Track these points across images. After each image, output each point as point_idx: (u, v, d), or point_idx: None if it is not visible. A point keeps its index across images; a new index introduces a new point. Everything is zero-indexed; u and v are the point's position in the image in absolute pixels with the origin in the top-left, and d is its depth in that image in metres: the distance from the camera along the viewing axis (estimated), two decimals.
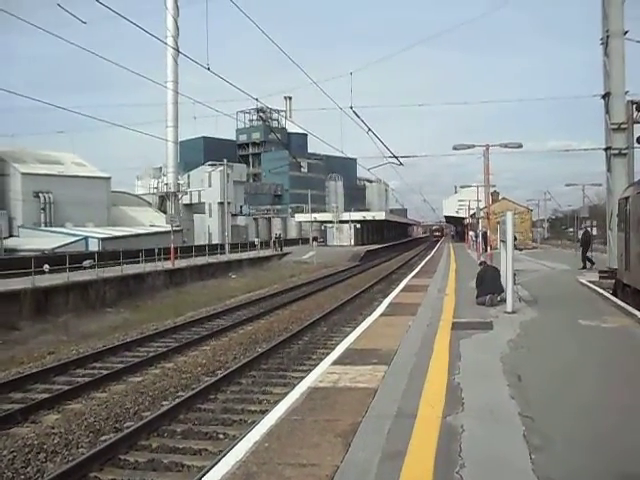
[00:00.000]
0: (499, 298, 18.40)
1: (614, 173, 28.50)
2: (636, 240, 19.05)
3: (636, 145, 28.40)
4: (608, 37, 27.75)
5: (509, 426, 7.55)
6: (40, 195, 74.07)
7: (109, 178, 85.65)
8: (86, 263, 40.54)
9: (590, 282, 25.17)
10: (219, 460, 7.25)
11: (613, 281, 24.32)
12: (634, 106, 28.16)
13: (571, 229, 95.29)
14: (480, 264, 21.16)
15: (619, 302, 19.05)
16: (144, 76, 20.16)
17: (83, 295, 32.49)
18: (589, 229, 43.12)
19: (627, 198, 20.87)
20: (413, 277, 30.93)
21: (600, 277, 26.97)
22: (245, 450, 6.96)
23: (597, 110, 29.77)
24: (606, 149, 29.11)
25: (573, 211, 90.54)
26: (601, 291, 22.16)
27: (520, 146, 30.92)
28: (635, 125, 28.49)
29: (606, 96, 28.43)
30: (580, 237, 38.62)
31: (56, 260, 39.45)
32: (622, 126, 28.05)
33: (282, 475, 6.23)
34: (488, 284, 18.64)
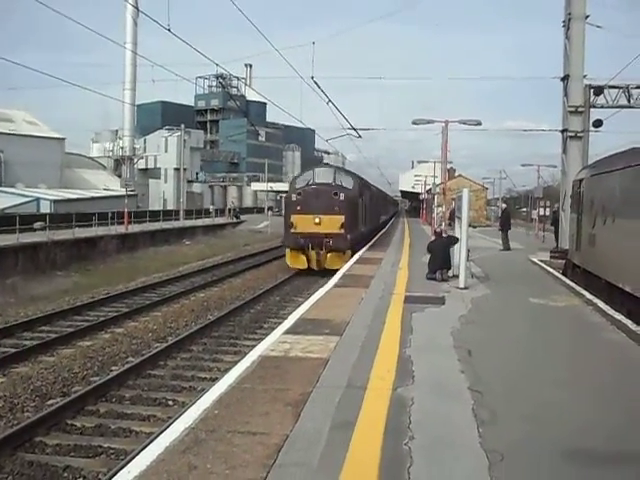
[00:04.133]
0: (451, 273, 18.56)
1: (569, 155, 28.91)
2: (587, 222, 19.36)
3: (591, 129, 28.83)
4: (570, 20, 28.00)
5: (458, 400, 7.62)
6: None
7: (63, 139, 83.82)
8: (37, 225, 39.84)
9: (541, 261, 25.56)
10: (167, 427, 7.20)
11: (564, 261, 24.74)
12: (592, 90, 28.50)
13: (524, 209, 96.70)
14: (435, 234, 21.26)
15: (569, 282, 19.39)
16: (102, 35, 19.67)
17: (33, 257, 31.92)
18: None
19: (581, 180, 21.18)
20: (367, 250, 30.98)
21: (551, 257, 27.43)
22: (194, 417, 6.91)
23: (556, 92, 30.07)
24: (563, 131, 29.49)
25: (527, 191, 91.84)
26: (551, 270, 22.51)
27: (479, 123, 31.04)
28: (592, 109, 28.88)
29: (565, 79, 28.74)
30: (552, 216, 38.75)
31: (5, 221, 38.69)
32: (579, 109, 28.42)
33: (231, 443, 6.20)
34: (438, 257, 18.75)
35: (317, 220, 28.13)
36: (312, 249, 28.61)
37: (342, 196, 28.69)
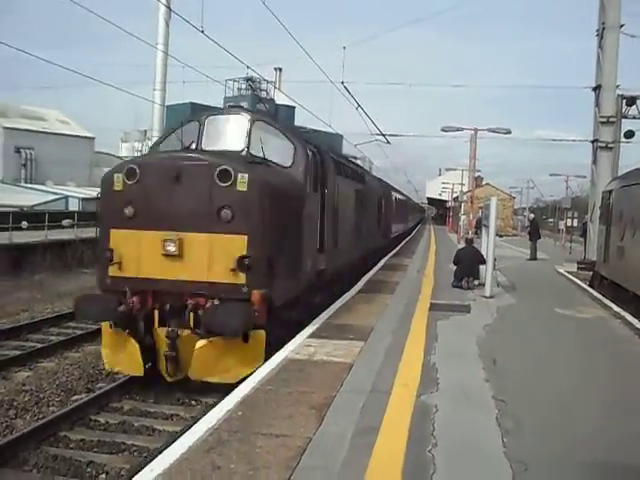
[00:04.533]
0: (477, 282, 18.48)
1: (599, 166, 28.59)
2: (616, 233, 19.17)
3: (623, 139, 28.52)
4: (604, 29, 27.68)
5: (482, 408, 7.59)
6: (21, 151, 73.04)
7: (93, 138, 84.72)
8: (65, 222, 40.20)
9: (568, 272, 25.34)
10: (191, 426, 7.22)
11: (591, 273, 24.52)
12: (624, 100, 28.21)
13: (552, 219, 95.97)
14: (466, 241, 21.17)
15: (596, 294, 19.22)
16: (134, 35, 19.76)
17: (60, 254, 32.23)
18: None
19: (610, 191, 20.98)
20: (392, 256, 30.94)
21: (578, 268, 27.16)
22: (218, 418, 6.94)
23: (587, 102, 29.83)
24: (593, 141, 29.17)
25: (555, 201, 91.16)
26: (578, 282, 22.31)
27: (509, 132, 30.96)
28: (623, 120, 28.58)
29: (597, 89, 28.42)
30: (582, 227, 37.94)
31: (35, 217, 39.08)
32: (610, 119, 28.09)
33: (254, 444, 6.21)
34: (465, 266, 18.69)
35: (171, 247, 10.56)
36: (161, 324, 10.95)
37: (253, 184, 10.62)
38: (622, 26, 27.49)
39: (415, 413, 7.28)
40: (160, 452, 6.32)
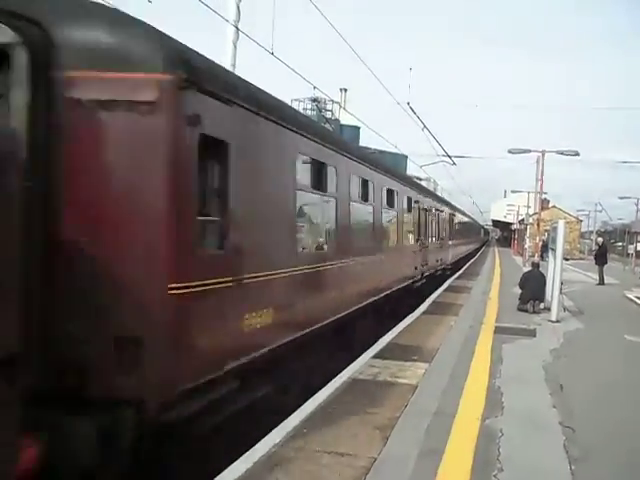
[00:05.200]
0: (542, 305, 18.20)
1: None
2: None
3: None
4: None
5: (549, 434, 7.48)
6: None
7: None
8: None
9: (638, 298, 24.72)
10: (256, 442, 7.29)
11: None
12: None
13: (620, 243, 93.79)
14: (532, 264, 20.88)
15: None
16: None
17: None
18: None
19: None
20: (456, 278, 30.67)
21: None
22: (283, 435, 7.00)
23: None
24: None
25: (623, 225, 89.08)
26: None
27: (577, 154, 30.47)
28: None
29: None
30: None
31: None
32: None
33: (319, 462, 6.25)
34: (531, 289, 18.43)
35: None
36: None
37: None
38: None
39: (480, 437, 7.22)
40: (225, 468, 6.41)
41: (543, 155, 32.86)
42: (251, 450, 6.63)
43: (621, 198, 66.00)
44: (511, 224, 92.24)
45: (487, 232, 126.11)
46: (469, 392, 9.09)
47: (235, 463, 6.28)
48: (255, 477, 5.92)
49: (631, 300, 24.40)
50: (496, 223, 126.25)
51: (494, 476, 6.08)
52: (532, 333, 14.64)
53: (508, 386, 9.52)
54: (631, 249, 52.15)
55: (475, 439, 7.12)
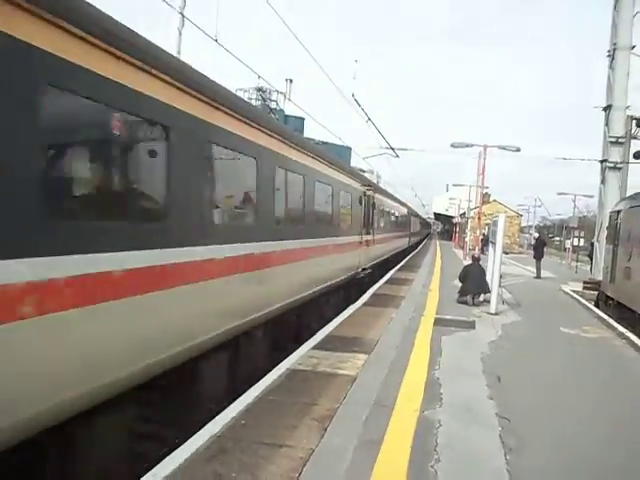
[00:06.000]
0: (482, 298, 18.44)
1: (607, 186, 28.57)
2: (623, 254, 19.15)
3: (632, 160, 28.48)
4: (615, 50, 27.75)
5: (486, 425, 7.57)
6: None
7: None
8: None
9: (573, 291, 25.27)
10: (194, 433, 7.21)
11: (596, 292, 24.47)
12: (634, 121, 28.20)
13: (558, 238, 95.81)
14: (473, 258, 21.11)
15: (601, 314, 19.14)
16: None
17: None
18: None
19: (619, 212, 20.98)
20: (398, 270, 30.88)
21: (584, 288, 27.08)
22: (221, 426, 6.92)
23: (596, 122, 29.83)
24: (602, 161, 29.17)
25: (562, 220, 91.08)
26: (584, 301, 22.23)
27: (518, 150, 30.99)
28: (633, 140, 28.55)
29: (607, 109, 28.46)
30: (590, 247, 37.00)
31: None
32: (620, 140, 28.10)
33: (257, 453, 6.21)
34: (471, 283, 18.65)
35: None
36: None
37: None
38: (633, 47, 27.55)
39: (418, 428, 7.25)
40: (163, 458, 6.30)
41: (485, 150, 33.30)
42: (189, 441, 6.55)
43: (559, 194, 67.23)
44: (453, 217, 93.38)
45: (428, 224, 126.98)
46: (408, 383, 9.13)
47: (173, 453, 6.20)
48: (193, 468, 5.84)
49: (566, 293, 24.91)
50: (438, 216, 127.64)
51: (431, 466, 6.12)
52: (471, 325, 14.81)
53: (447, 378, 9.60)
54: (568, 244, 53.18)
55: (413, 430, 7.15)
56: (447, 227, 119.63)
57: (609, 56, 28.40)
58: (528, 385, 9.80)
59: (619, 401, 9.36)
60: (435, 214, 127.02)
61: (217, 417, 7.25)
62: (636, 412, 8.82)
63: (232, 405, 7.70)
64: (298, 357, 10.44)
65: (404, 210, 46.88)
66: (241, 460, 6.03)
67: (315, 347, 11.34)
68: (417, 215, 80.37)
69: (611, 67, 28.12)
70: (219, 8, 14.97)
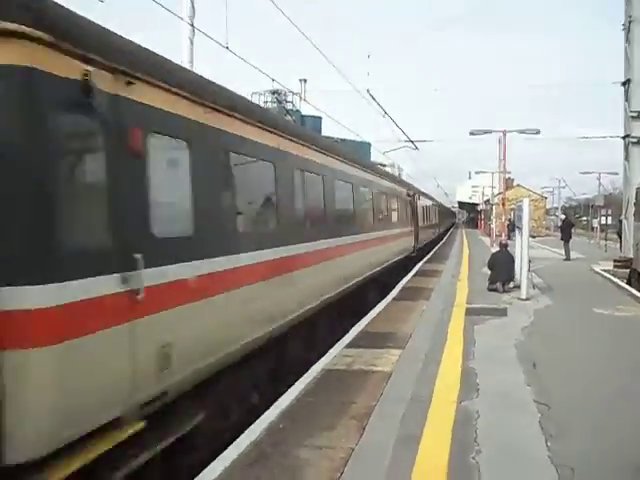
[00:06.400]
0: (512, 284, 18.34)
1: (632, 161, 28.23)
2: None
3: None
4: (630, 23, 27.39)
5: (525, 413, 7.52)
6: None
7: None
8: None
9: (604, 271, 25.01)
10: (234, 440, 7.24)
11: (628, 270, 24.20)
12: None
13: (585, 217, 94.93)
14: (500, 245, 21.00)
15: (634, 291, 18.95)
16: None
17: None
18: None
19: None
20: (426, 262, 30.81)
21: (615, 266, 26.78)
22: (259, 431, 6.95)
23: (617, 98, 29.46)
24: (624, 137, 28.83)
25: (587, 199, 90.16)
26: (615, 280, 22.01)
27: (538, 132, 30.75)
28: None
29: (626, 83, 28.11)
30: (619, 225, 36.39)
31: None
32: None
33: (297, 456, 6.22)
34: (501, 270, 18.56)
35: None
36: None
37: None
38: None
39: (457, 420, 7.23)
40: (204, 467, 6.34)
41: (505, 135, 33.09)
42: (229, 448, 6.57)
43: (583, 173, 66.94)
44: (477, 205, 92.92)
45: (453, 213, 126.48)
46: (444, 376, 9.10)
47: (213, 463, 6.22)
48: (234, 475, 5.87)
49: (597, 273, 24.68)
50: (462, 205, 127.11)
51: (472, 458, 6.09)
52: (503, 312, 14.73)
53: (482, 367, 9.56)
54: (595, 223, 52.65)
55: (452, 422, 7.13)
56: (472, 215, 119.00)
57: (624, 29, 28.06)
58: (564, 369, 9.72)
59: None
60: (459, 203, 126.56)
61: (255, 423, 7.28)
62: None
63: (269, 410, 7.72)
64: (332, 356, 10.45)
65: (435, 206, 54.77)
66: (282, 464, 6.04)
67: (349, 345, 11.35)
68: (443, 206, 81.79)
69: (627, 40, 27.77)
70: (228, 14, 15.01)
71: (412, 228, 30.03)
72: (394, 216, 24.55)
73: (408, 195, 29.63)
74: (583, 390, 8.62)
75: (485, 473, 5.75)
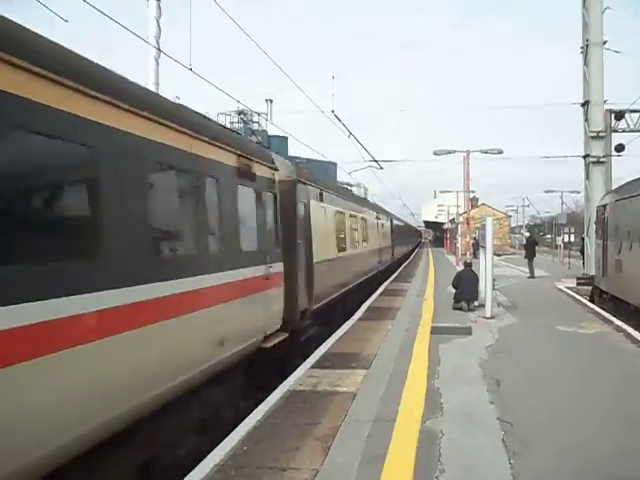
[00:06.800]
0: (477, 303, 18.49)
1: (592, 181, 28.80)
2: (613, 247, 19.24)
3: (614, 153, 28.70)
4: (588, 46, 28.05)
5: (488, 431, 7.56)
6: None
7: None
8: None
9: (568, 288, 25.35)
10: (197, 464, 7.18)
11: (590, 288, 24.55)
12: (612, 115, 28.44)
13: (549, 235, 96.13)
14: (465, 264, 21.18)
15: (596, 308, 19.23)
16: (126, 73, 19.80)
17: None
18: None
19: (605, 206, 21.09)
20: (392, 281, 30.92)
21: (577, 284, 27.17)
22: (223, 455, 6.89)
23: (577, 118, 29.99)
24: (585, 157, 29.37)
25: (551, 218, 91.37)
26: (579, 297, 22.31)
27: (500, 152, 31.08)
28: (613, 134, 28.79)
29: (585, 104, 28.69)
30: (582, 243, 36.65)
31: None
32: (600, 134, 28.35)
33: (260, 479, 6.18)
34: (465, 288, 18.70)
35: None
36: None
37: None
38: (605, 42, 27.86)
39: (421, 439, 7.24)
40: None
41: (468, 155, 33.39)
42: (191, 473, 6.51)
43: (546, 192, 67.74)
44: (443, 224, 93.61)
45: (419, 233, 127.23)
46: (408, 395, 9.12)
47: None
48: None
49: (561, 291, 25.00)
50: (428, 224, 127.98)
51: (436, 477, 6.10)
52: (468, 331, 14.83)
53: (446, 386, 9.61)
54: (559, 241, 53.40)
55: (416, 442, 7.13)
56: (438, 234, 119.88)
57: (582, 52, 28.68)
58: (528, 387, 9.81)
59: (620, 397, 9.36)
60: (425, 222, 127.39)
61: (219, 446, 7.23)
62: (636, 403, 8.84)
63: (233, 432, 7.67)
64: (297, 377, 10.43)
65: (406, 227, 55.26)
66: None
67: (314, 366, 11.34)
68: (410, 227, 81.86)
69: (585, 63, 28.39)
70: (192, 37, 15.07)
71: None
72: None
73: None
74: (546, 408, 8.68)
75: None
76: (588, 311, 18.87)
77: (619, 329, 15.07)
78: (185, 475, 6.39)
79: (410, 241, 77.09)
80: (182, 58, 14.67)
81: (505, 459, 6.60)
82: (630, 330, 14.70)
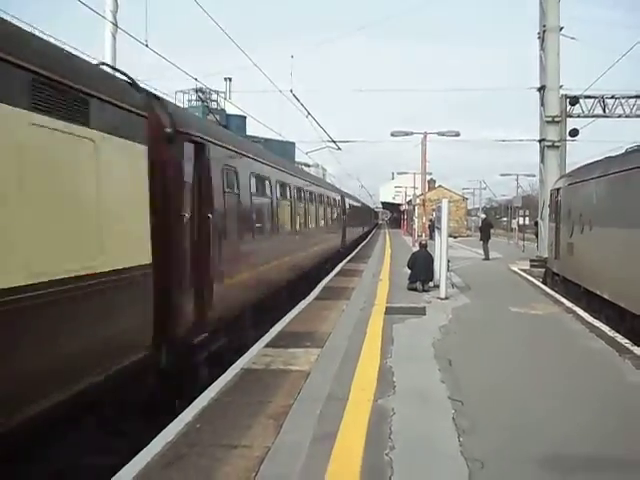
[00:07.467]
0: (431, 284, 18.66)
1: (547, 165, 29.24)
2: (565, 230, 19.56)
3: (568, 138, 29.17)
4: (544, 32, 28.38)
5: (439, 409, 7.68)
6: None
7: None
8: None
9: (521, 270, 25.75)
10: (149, 442, 7.16)
11: (543, 269, 24.96)
12: (567, 100, 28.87)
13: (505, 218, 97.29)
14: (420, 245, 21.32)
15: (548, 290, 19.58)
16: (83, 52, 19.39)
17: None
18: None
19: (558, 189, 21.41)
20: (348, 262, 31.04)
21: (531, 266, 27.63)
22: (176, 432, 6.89)
23: (534, 102, 30.35)
24: (540, 141, 29.79)
25: (507, 201, 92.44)
26: (532, 279, 22.68)
27: (458, 134, 31.39)
28: (568, 119, 29.25)
29: (542, 89, 29.06)
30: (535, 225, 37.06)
31: None
32: (556, 119, 28.77)
33: (213, 456, 6.20)
34: (420, 269, 18.86)
35: None
36: None
37: None
38: (562, 29, 28.22)
39: (372, 417, 7.33)
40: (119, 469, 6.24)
41: (425, 137, 33.65)
42: (143, 451, 6.49)
43: (502, 175, 68.65)
44: (400, 205, 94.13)
45: (377, 214, 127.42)
46: (361, 374, 9.21)
47: (129, 464, 6.14)
48: (148, 478, 5.81)
49: (515, 273, 25.38)
50: (386, 205, 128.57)
51: (386, 454, 6.19)
52: (422, 311, 14.98)
53: (399, 365, 9.71)
54: (514, 224, 54.11)
55: (367, 420, 7.22)
56: (395, 215, 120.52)
57: (539, 38, 28.99)
58: (479, 367, 9.96)
59: (566, 372, 9.60)
60: (383, 203, 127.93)
61: (171, 424, 7.22)
62: (582, 382, 9.06)
63: (186, 410, 7.67)
64: (252, 356, 10.45)
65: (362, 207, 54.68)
66: (197, 464, 6.02)
67: (268, 345, 11.35)
68: (367, 207, 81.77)
69: (542, 49, 28.72)
70: (148, 12, 14.85)
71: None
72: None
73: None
74: (497, 386, 8.84)
75: (398, 468, 5.85)
76: (540, 293, 19.20)
77: (569, 310, 15.38)
78: (136, 453, 6.38)
79: (366, 222, 75.76)
80: (139, 34, 14.46)
81: (455, 437, 6.71)
82: (579, 311, 15.02)
